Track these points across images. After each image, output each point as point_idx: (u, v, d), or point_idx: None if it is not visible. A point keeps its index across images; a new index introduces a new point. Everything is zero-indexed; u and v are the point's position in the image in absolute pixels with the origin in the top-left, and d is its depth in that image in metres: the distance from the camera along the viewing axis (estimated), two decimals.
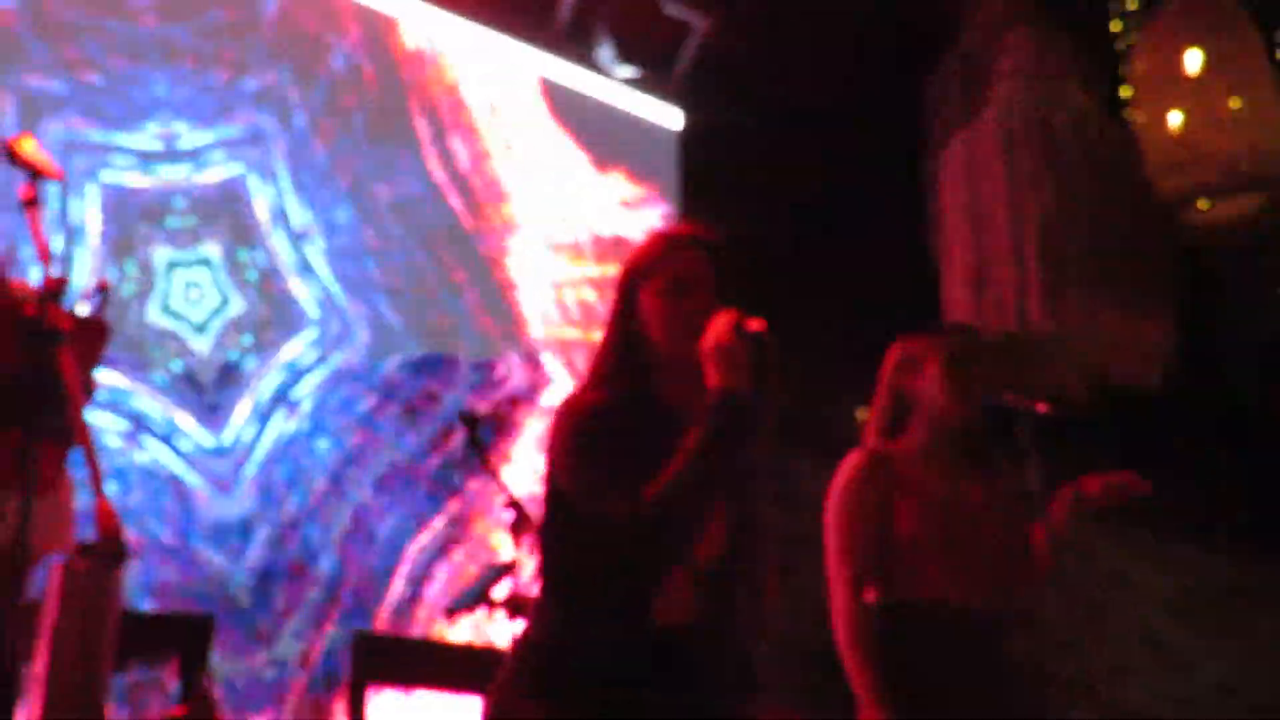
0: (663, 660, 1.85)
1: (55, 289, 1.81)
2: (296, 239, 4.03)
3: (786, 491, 2.02)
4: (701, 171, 4.81)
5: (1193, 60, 4.37)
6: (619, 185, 4.72)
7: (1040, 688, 2.71)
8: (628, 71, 4.72)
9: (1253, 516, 6.34)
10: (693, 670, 1.87)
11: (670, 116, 4.90)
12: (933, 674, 2.60)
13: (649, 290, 1.93)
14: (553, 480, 1.88)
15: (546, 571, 1.91)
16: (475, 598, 3.84)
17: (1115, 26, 4.64)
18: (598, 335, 2.16)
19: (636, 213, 4.74)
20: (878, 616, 2.64)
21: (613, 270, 4.46)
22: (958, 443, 2.72)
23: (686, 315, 1.88)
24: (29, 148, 2.01)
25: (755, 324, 1.79)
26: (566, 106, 4.66)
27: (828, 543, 2.69)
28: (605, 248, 4.64)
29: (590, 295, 4.63)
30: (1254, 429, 6.09)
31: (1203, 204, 4.44)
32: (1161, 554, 6.17)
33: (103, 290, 2.05)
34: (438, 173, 4.37)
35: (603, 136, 4.72)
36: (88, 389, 1.86)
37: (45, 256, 1.87)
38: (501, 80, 4.53)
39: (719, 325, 1.80)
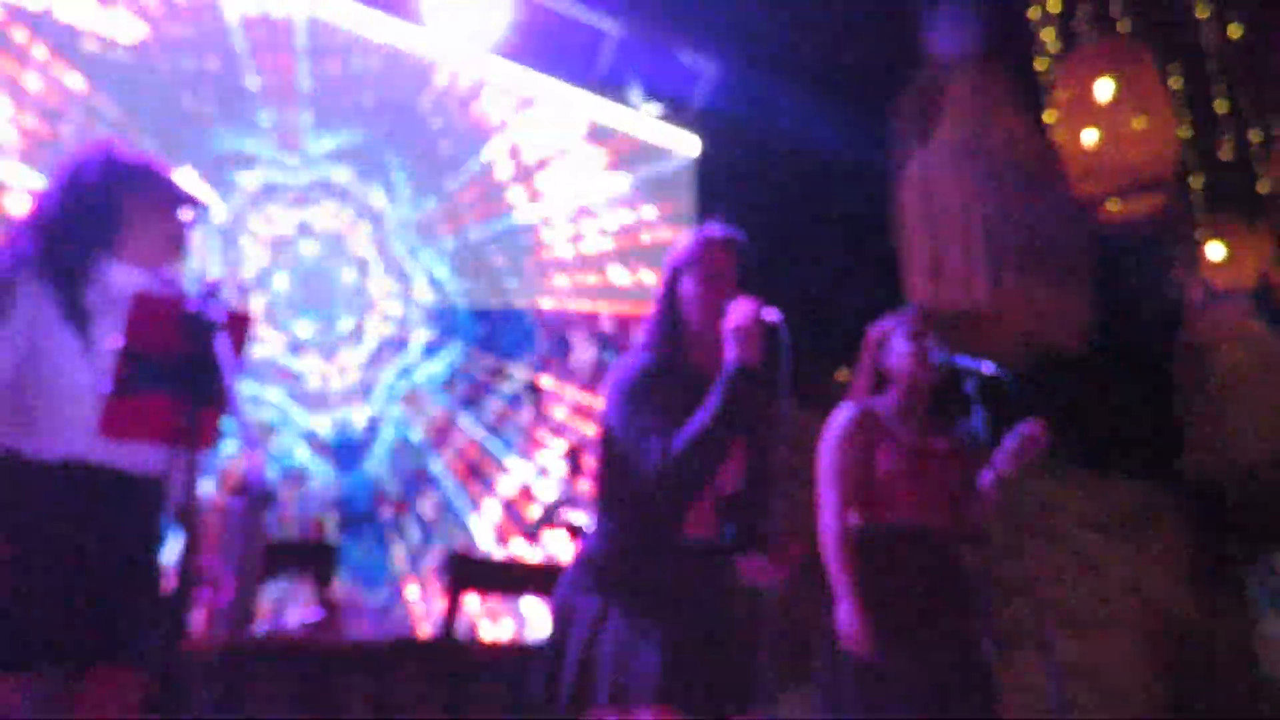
0: (690, 564, 1.92)
1: (211, 289, 1.79)
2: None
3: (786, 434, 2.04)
4: (714, 187, 4.88)
5: (1103, 89, 4.39)
6: (650, 197, 4.81)
7: (986, 587, 2.78)
8: (655, 109, 4.80)
9: (1152, 450, 6.40)
10: (712, 571, 1.94)
11: (689, 144, 4.97)
12: (898, 577, 2.66)
13: (689, 279, 2.00)
14: (606, 424, 1.95)
15: (601, 496, 1.97)
16: (545, 522, 3.97)
17: (1040, 64, 4.62)
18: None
19: (665, 220, 4.83)
20: (858, 534, 2.69)
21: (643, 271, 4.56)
22: (924, 400, 2.79)
23: (716, 300, 1.95)
24: (187, 180, 2.03)
25: (770, 314, 1.87)
26: (605, 137, 4.74)
27: (819, 475, 2.75)
28: (640, 251, 4.74)
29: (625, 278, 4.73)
30: (1154, 380, 6.14)
31: (1113, 204, 4.46)
32: (1083, 482, 6.25)
33: (245, 291, 2.05)
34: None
35: (636, 160, 4.79)
36: (238, 366, 1.84)
37: (202, 265, 1.98)
38: (558, 119, 4.61)
39: (739, 310, 1.88)
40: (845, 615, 2.62)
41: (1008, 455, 2.70)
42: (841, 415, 2.76)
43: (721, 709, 1.88)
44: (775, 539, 1.96)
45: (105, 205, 2.00)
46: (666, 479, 1.82)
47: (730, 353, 1.87)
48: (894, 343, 2.82)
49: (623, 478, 1.91)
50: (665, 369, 1.96)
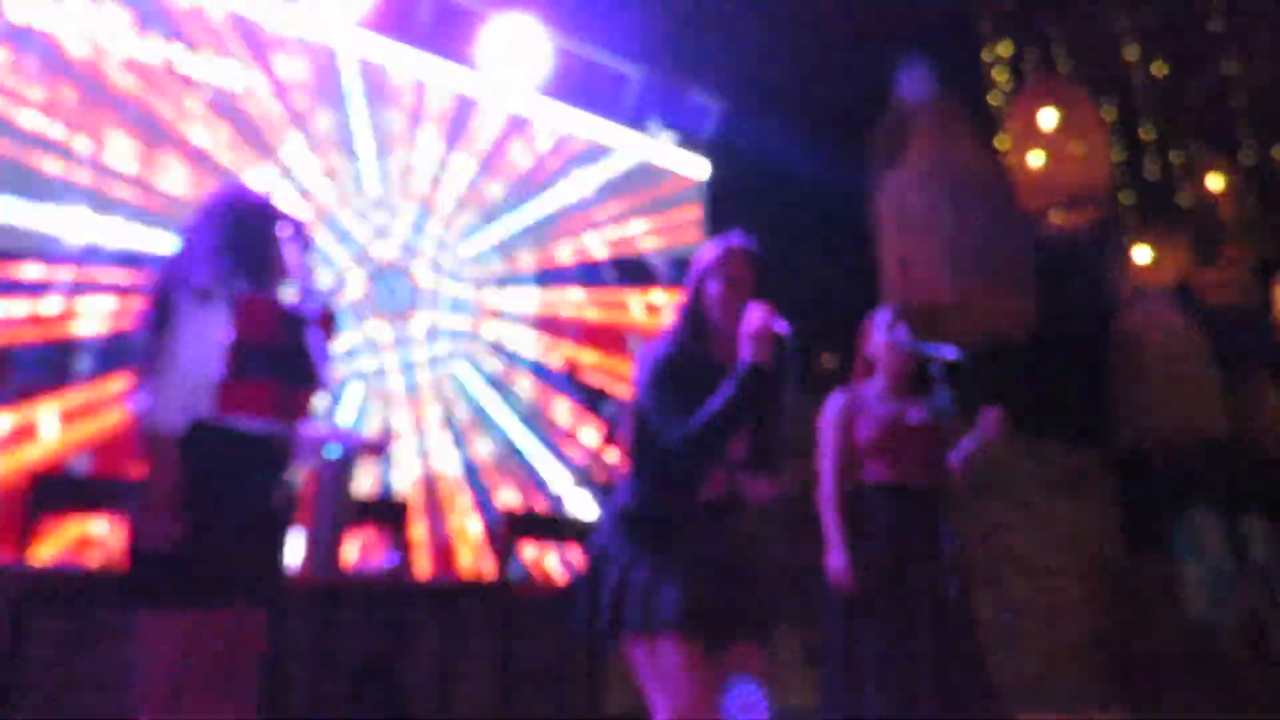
0: (708, 518, 1.91)
1: (305, 293, 1.86)
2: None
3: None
4: (721, 202, 4.86)
5: (1048, 119, 4.36)
6: (665, 215, 4.75)
7: (952, 536, 2.71)
8: (671, 137, 4.78)
9: (1087, 422, 6.38)
10: (724, 527, 1.93)
11: (700, 167, 4.93)
12: (876, 526, 2.72)
13: (713, 281, 1.97)
14: (636, 401, 1.94)
15: (631, 459, 1.96)
16: (583, 479, 3.97)
17: (994, 99, 4.58)
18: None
19: (680, 232, 4.79)
20: (847, 493, 2.77)
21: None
22: (902, 381, 2.84)
23: (735, 302, 1.94)
24: (283, 199, 2.13)
25: (780, 325, 1.85)
26: (626, 162, 4.71)
27: (818, 448, 2.82)
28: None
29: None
30: (1088, 364, 6.11)
31: (1056, 216, 4.43)
32: (1030, 448, 6.23)
33: (334, 292, 2.04)
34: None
35: (652, 181, 4.75)
36: (327, 354, 1.86)
37: (297, 272, 1.92)
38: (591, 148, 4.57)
39: (754, 318, 1.86)
40: (833, 561, 2.70)
41: (976, 436, 2.74)
42: (832, 401, 2.83)
43: (732, 638, 1.88)
44: (775, 466, 1.96)
45: (238, 239, 2.01)
46: (684, 454, 1.83)
47: (744, 353, 1.85)
48: (873, 335, 2.88)
49: (648, 447, 1.90)
50: (688, 356, 1.94)
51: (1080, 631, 6.06)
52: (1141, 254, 5.28)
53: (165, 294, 1.95)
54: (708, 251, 2.03)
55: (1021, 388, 5.81)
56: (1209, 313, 5.57)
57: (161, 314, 1.93)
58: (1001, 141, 4.54)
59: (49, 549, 2.74)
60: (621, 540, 1.87)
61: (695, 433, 1.80)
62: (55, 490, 2.65)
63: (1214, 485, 6.57)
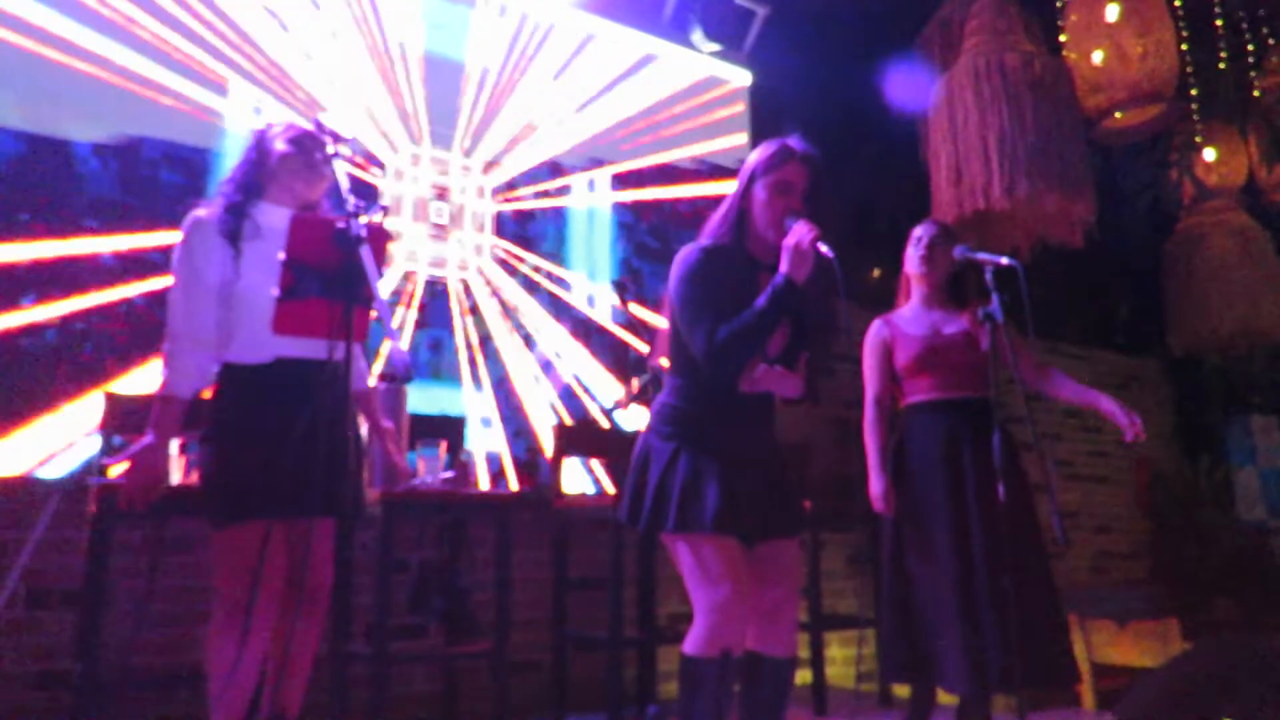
0: (742, 413, 1.92)
1: (356, 210, 1.85)
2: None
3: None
4: (765, 113, 4.72)
5: (1111, 12, 4.15)
6: (709, 125, 4.64)
7: (1005, 447, 2.70)
8: (713, 47, 4.60)
9: (1139, 327, 6.25)
10: (762, 420, 1.94)
11: (742, 77, 4.78)
12: (919, 445, 2.71)
13: (762, 183, 1.92)
14: (672, 304, 1.92)
15: (671, 358, 1.97)
16: (631, 398, 3.98)
17: None
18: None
19: (723, 139, 4.69)
20: (892, 416, 2.77)
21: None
22: (935, 295, 2.83)
23: (780, 209, 1.89)
24: (329, 118, 2.06)
25: (824, 248, 1.80)
26: (671, 72, 4.60)
27: (863, 374, 2.83)
28: (702, 170, 4.59)
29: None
30: (1144, 268, 5.95)
31: (1118, 115, 4.25)
32: (1082, 355, 6.13)
33: (384, 211, 2.04)
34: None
35: (696, 92, 4.62)
36: (379, 272, 1.88)
37: (347, 191, 1.91)
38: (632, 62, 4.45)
39: (798, 232, 1.81)
40: (873, 487, 2.71)
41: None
42: (872, 328, 2.84)
43: (768, 535, 1.91)
44: (812, 382, 1.96)
45: (258, 157, 2.16)
46: (714, 357, 1.81)
47: (783, 266, 1.81)
48: (908, 251, 2.87)
49: (685, 351, 1.90)
50: (726, 254, 1.91)
51: (1132, 539, 6.03)
52: (1208, 152, 5.05)
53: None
54: (761, 151, 1.97)
55: (1076, 294, 5.67)
56: (1274, 214, 5.35)
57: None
58: (1062, 37, 4.33)
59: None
60: (663, 439, 1.89)
61: (723, 341, 1.79)
62: (132, 409, 2.74)
63: (1270, 389, 6.43)
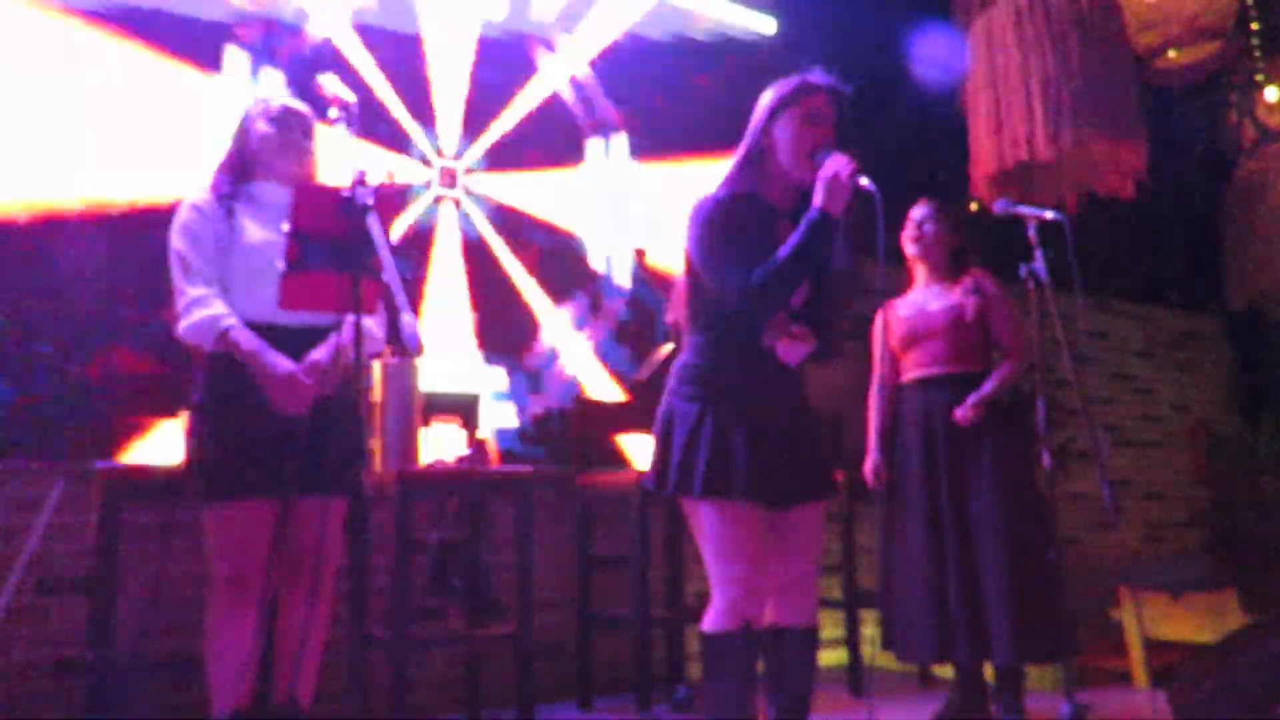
0: (769, 370, 1.89)
1: (360, 178, 1.85)
2: None
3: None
4: (786, 61, 4.65)
5: None
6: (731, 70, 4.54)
7: (1048, 410, 2.77)
8: None
9: (1196, 281, 6.15)
10: (788, 373, 1.91)
11: (765, 23, 4.68)
12: (908, 421, 2.91)
13: (786, 116, 1.87)
14: (690, 253, 1.89)
15: (691, 315, 1.93)
16: (653, 369, 3.99)
17: None
18: None
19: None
20: (890, 394, 2.98)
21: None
22: (929, 271, 3.00)
23: (810, 142, 1.85)
24: (330, 82, 2.08)
25: (866, 181, 1.76)
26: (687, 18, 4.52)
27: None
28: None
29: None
30: (1198, 219, 5.84)
31: (1173, 53, 4.14)
32: (1132, 312, 6.04)
33: (390, 178, 2.05)
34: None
35: (717, 42, 4.52)
36: (387, 242, 1.87)
37: (350, 158, 1.92)
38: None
39: (835, 163, 1.77)
40: (866, 462, 2.95)
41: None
42: (879, 311, 3.03)
43: (794, 498, 1.91)
44: (831, 336, 1.96)
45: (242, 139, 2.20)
46: (747, 305, 1.79)
47: (817, 199, 1.77)
48: (906, 229, 3.02)
49: (708, 300, 1.87)
50: (745, 202, 1.88)
51: (1187, 507, 5.97)
52: (1270, 92, 4.91)
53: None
54: (780, 87, 1.91)
55: (1127, 248, 5.57)
56: None
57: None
58: None
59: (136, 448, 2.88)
60: (687, 401, 1.87)
61: (759, 282, 1.77)
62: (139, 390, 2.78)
63: None
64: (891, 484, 2.89)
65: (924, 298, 2.95)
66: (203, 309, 2.04)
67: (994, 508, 2.71)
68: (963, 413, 2.79)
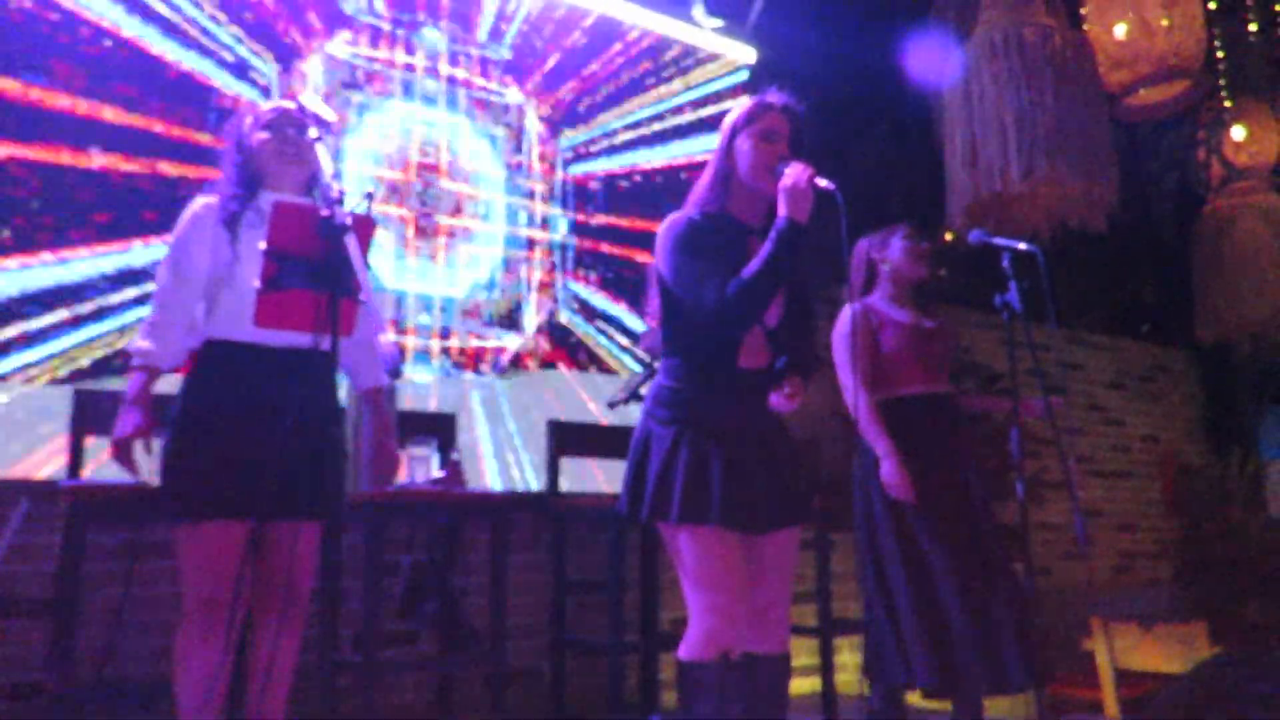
0: (744, 389, 1.91)
1: (339, 198, 1.84)
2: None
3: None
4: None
5: None
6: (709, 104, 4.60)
7: (1020, 440, 2.78)
8: (715, 23, 4.59)
9: (1166, 314, 6.24)
10: (763, 395, 1.92)
11: (746, 53, 4.75)
12: (914, 439, 2.78)
13: (745, 135, 1.93)
14: (661, 273, 1.91)
15: (665, 338, 1.95)
16: (629, 393, 3.98)
17: None
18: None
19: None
20: (884, 407, 2.81)
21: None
22: (913, 291, 2.97)
23: (768, 158, 1.90)
24: (311, 101, 2.08)
25: (824, 182, 1.81)
26: (671, 49, 4.56)
27: (837, 365, 2.85)
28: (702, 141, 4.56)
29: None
30: (1168, 254, 5.94)
31: (1143, 91, 4.22)
32: (1104, 343, 6.12)
33: (369, 197, 2.05)
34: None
35: (696, 69, 4.58)
36: (365, 264, 1.87)
37: (330, 176, 1.91)
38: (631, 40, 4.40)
39: (793, 172, 1.82)
40: (888, 471, 2.72)
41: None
42: (845, 314, 2.85)
43: (771, 524, 1.91)
44: (793, 371, 1.93)
45: (242, 152, 2.17)
46: (723, 318, 1.81)
47: (782, 209, 1.81)
48: (893, 242, 2.95)
49: (682, 319, 1.89)
50: (714, 220, 1.92)
51: (1157, 538, 6.03)
52: (1237, 131, 5.03)
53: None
54: (738, 108, 1.98)
55: (1099, 281, 5.66)
56: None
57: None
58: (1083, 9, 4.31)
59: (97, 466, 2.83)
60: (662, 424, 1.88)
61: (733, 295, 1.78)
62: (101, 407, 2.72)
63: None
64: (894, 503, 2.76)
65: (914, 313, 2.93)
66: (140, 336, 2.04)
67: (995, 529, 2.75)
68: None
